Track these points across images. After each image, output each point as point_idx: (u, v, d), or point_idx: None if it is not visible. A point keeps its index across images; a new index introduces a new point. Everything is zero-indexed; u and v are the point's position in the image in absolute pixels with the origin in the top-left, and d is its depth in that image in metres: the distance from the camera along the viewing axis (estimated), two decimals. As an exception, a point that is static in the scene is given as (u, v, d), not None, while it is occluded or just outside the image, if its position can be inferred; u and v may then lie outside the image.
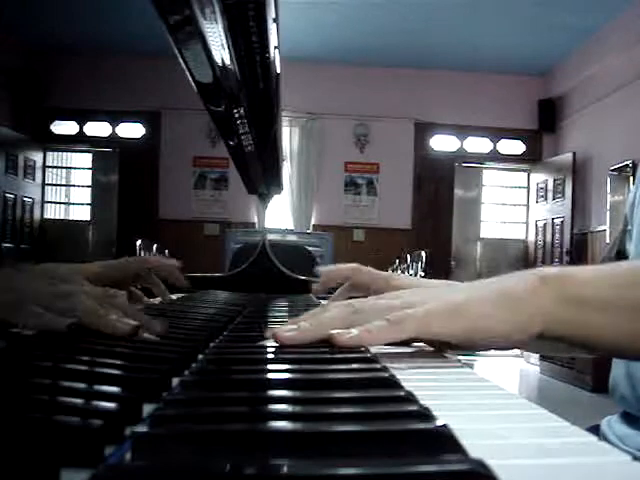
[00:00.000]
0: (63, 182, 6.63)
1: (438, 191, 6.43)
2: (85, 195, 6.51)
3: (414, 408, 0.27)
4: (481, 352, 6.44)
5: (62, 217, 6.55)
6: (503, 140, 6.51)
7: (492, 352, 6.46)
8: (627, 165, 5.04)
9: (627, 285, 0.48)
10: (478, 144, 6.51)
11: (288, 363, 0.41)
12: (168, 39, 0.63)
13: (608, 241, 5.13)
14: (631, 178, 5.07)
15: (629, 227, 0.79)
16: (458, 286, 0.55)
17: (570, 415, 0.37)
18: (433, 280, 0.63)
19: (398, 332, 0.46)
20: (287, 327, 0.48)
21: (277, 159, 1.27)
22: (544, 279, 0.47)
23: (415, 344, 0.56)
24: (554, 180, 6.11)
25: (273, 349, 0.47)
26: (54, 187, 6.53)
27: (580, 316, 0.47)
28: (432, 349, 0.55)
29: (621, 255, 0.82)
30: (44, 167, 6.32)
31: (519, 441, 0.28)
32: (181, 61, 0.70)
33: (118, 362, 0.38)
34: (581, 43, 5.50)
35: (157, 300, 0.92)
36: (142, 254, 4.41)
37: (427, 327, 0.46)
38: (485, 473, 0.19)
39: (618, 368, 0.75)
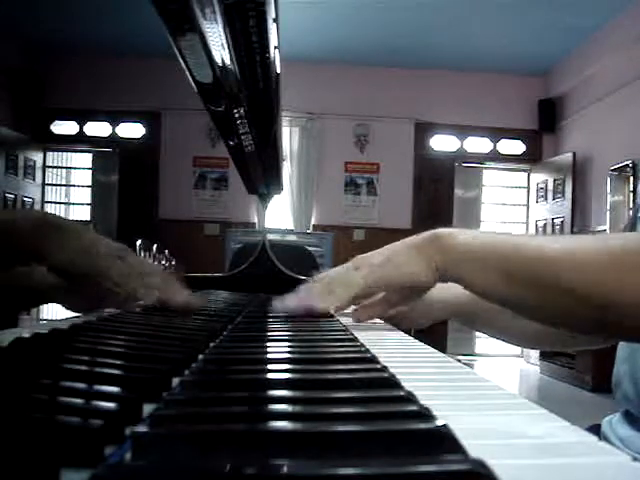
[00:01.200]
0: (63, 182, 6.64)
1: (438, 191, 6.43)
2: (85, 195, 6.51)
3: (414, 408, 0.27)
4: (481, 352, 6.45)
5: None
6: (503, 140, 6.51)
7: (492, 352, 6.46)
8: (627, 165, 5.04)
9: (499, 251, 0.60)
10: (478, 144, 6.51)
11: (288, 363, 0.41)
12: (168, 39, 0.63)
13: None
14: (631, 178, 5.07)
15: (639, 214, 0.79)
16: (388, 247, 0.71)
17: (570, 415, 0.37)
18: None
19: (352, 292, 0.68)
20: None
21: (277, 159, 1.27)
22: (436, 234, 0.65)
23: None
24: (554, 180, 6.11)
25: (274, 348, 0.47)
26: (54, 187, 6.53)
27: (454, 265, 0.63)
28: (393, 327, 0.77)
29: None
30: (44, 167, 6.32)
31: (519, 441, 0.28)
32: (181, 61, 0.70)
33: (118, 362, 0.38)
34: (581, 43, 5.50)
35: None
36: (142, 254, 4.40)
37: (373, 282, 0.68)
38: (485, 473, 0.19)
39: (621, 366, 0.75)
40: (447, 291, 0.78)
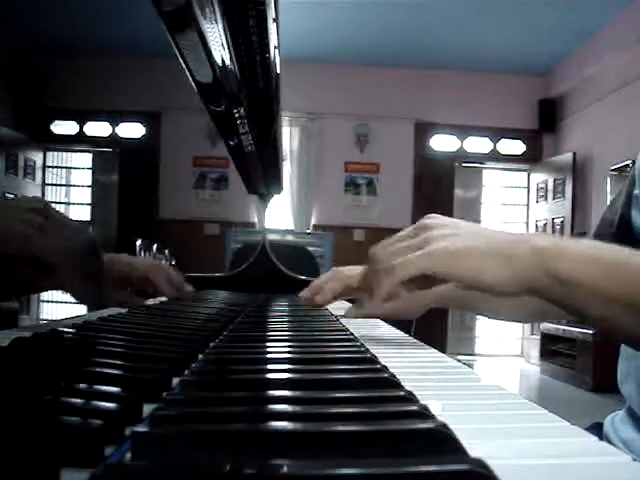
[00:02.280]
0: (63, 182, 6.63)
1: (438, 191, 6.43)
2: (85, 195, 6.51)
3: (414, 408, 0.27)
4: (481, 352, 6.45)
5: (62, 217, 6.54)
6: (503, 140, 6.51)
7: (492, 352, 6.46)
8: (627, 165, 5.04)
9: (608, 278, 0.52)
10: (478, 144, 6.51)
11: (288, 363, 0.41)
12: (168, 39, 0.63)
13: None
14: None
15: (636, 190, 0.76)
16: (464, 228, 0.59)
17: (570, 415, 0.37)
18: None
19: (409, 272, 0.55)
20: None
21: (277, 159, 1.27)
22: (534, 250, 0.54)
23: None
24: (554, 180, 6.11)
25: (274, 349, 0.47)
26: (54, 187, 6.53)
27: (559, 290, 0.53)
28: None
29: (624, 220, 0.79)
30: (44, 167, 6.32)
31: (519, 441, 0.28)
32: (181, 61, 0.70)
33: (118, 362, 0.38)
34: (581, 43, 5.50)
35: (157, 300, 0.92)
36: (142, 254, 4.41)
37: (435, 267, 0.55)
38: (485, 473, 0.19)
39: (624, 364, 0.74)
40: None
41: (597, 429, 0.78)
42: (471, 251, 0.55)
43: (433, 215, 0.62)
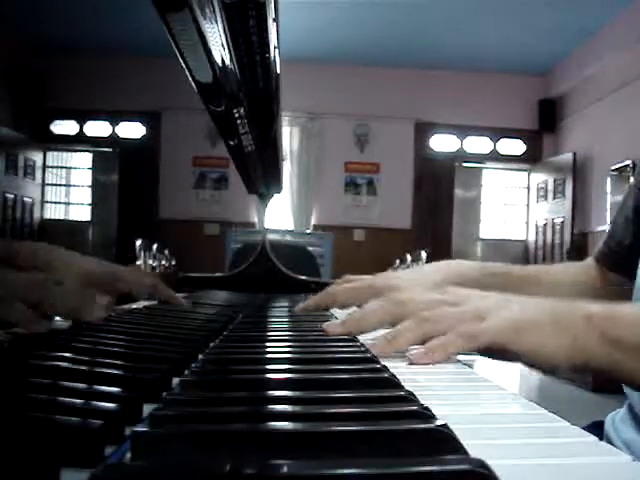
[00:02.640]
0: (63, 182, 6.64)
1: (438, 191, 6.43)
2: (85, 195, 6.51)
3: (414, 408, 0.27)
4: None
5: (62, 217, 6.55)
6: (503, 140, 6.51)
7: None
8: (627, 165, 5.04)
9: None
10: (478, 144, 6.51)
11: (288, 363, 0.41)
12: (168, 39, 0.63)
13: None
14: (631, 178, 5.07)
15: None
16: (518, 300, 0.56)
17: (570, 415, 0.37)
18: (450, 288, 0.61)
19: (473, 346, 0.50)
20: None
21: (277, 159, 1.27)
22: (590, 318, 0.51)
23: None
24: (554, 180, 6.11)
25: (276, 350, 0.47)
26: (54, 187, 6.53)
27: (617, 356, 0.50)
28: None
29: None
30: (44, 167, 6.32)
31: (519, 441, 0.27)
32: (181, 61, 0.70)
33: (118, 362, 0.38)
34: (581, 43, 5.50)
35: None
36: (142, 254, 4.40)
37: (499, 342, 0.50)
38: (485, 473, 0.19)
39: None
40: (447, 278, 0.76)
41: (597, 428, 0.78)
42: (533, 323, 0.51)
43: (452, 289, 0.59)
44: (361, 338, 0.55)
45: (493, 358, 0.55)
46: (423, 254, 5.11)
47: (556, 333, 0.51)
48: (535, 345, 0.50)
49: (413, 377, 0.40)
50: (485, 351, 0.52)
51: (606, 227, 5.22)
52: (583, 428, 0.30)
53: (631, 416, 0.72)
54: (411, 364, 0.48)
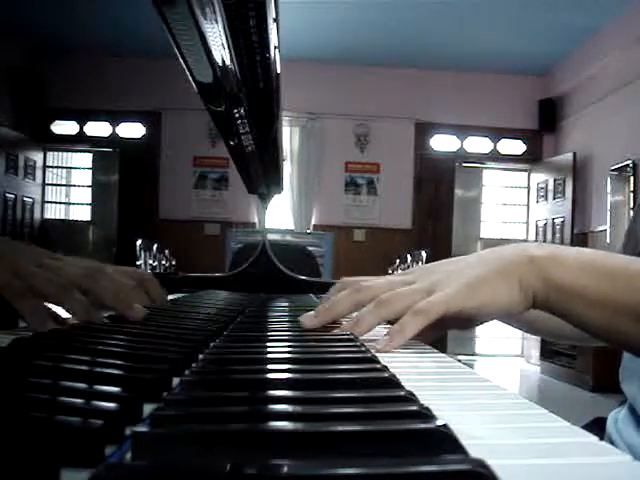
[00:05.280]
0: (63, 182, 6.64)
1: (438, 191, 6.43)
2: (85, 195, 6.51)
3: (414, 408, 0.27)
4: (481, 352, 6.45)
5: (62, 217, 6.55)
6: (503, 140, 6.51)
7: (492, 352, 6.46)
8: (627, 165, 5.04)
9: (607, 281, 0.51)
10: (478, 144, 6.51)
11: (288, 363, 0.41)
12: (168, 39, 0.63)
13: (609, 241, 5.13)
14: (631, 178, 5.07)
15: None
16: (461, 262, 0.58)
17: (570, 415, 0.37)
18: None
19: (429, 319, 0.52)
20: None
21: (277, 159, 1.27)
22: (532, 259, 0.53)
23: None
24: (554, 180, 6.11)
25: (277, 348, 0.47)
26: (54, 187, 6.53)
27: (560, 299, 0.52)
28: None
29: None
30: (44, 167, 6.32)
31: (519, 441, 0.27)
32: (181, 61, 0.70)
33: (118, 362, 0.38)
34: (581, 43, 5.50)
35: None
36: (142, 254, 4.41)
37: (454, 309, 0.52)
38: (485, 473, 0.19)
39: (628, 362, 0.73)
40: None
41: (598, 424, 0.77)
42: (481, 279, 0.53)
43: (417, 267, 0.63)
44: (362, 338, 0.55)
45: (460, 329, 0.59)
46: (423, 254, 5.11)
47: (504, 281, 0.53)
48: (488, 299, 0.53)
49: (413, 377, 0.40)
50: (444, 323, 0.55)
51: (606, 227, 5.23)
52: (584, 425, 0.30)
53: (633, 418, 0.72)
54: (377, 352, 0.49)
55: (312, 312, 0.61)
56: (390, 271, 5.24)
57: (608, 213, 5.23)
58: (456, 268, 0.57)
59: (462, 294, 0.53)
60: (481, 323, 0.58)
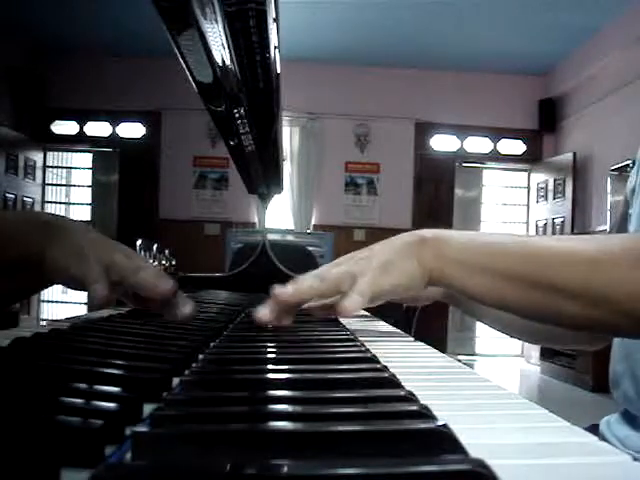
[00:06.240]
0: (63, 182, 6.63)
1: (438, 191, 6.43)
2: (85, 195, 6.51)
3: (414, 408, 0.27)
4: (481, 352, 6.45)
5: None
6: (503, 140, 6.50)
7: (492, 352, 6.46)
8: (627, 165, 5.04)
9: (486, 253, 0.60)
10: (478, 144, 6.51)
11: (288, 363, 0.41)
12: (168, 39, 0.63)
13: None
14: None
15: (630, 210, 0.81)
16: (374, 248, 0.66)
17: (570, 415, 0.37)
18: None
19: (365, 301, 0.60)
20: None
21: (277, 159, 1.27)
22: (424, 240, 0.61)
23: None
24: (554, 180, 6.11)
25: (274, 347, 0.47)
26: (54, 187, 6.53)
27: (452, 272, 0.60)
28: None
29: None
30: (44, 167, 6.32)
31: (519, 441, 0.28)
32: (181, 61, 0.70)
33: (118, 362, 0.38)
34: (581, 43, 5.50)
35: None
36: (142, 254, 4.41)
37: (376, 295, 0.61)
38: (485, 473, 0.19)
39: (618, 366, 0.75)
40: None
41: (593, 431, 0.78)
42: (387, 264, 0.61)
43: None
44: (362, 338, 0.55)
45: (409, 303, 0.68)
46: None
47: (406, 264, 0.61)
48: (395, 282, 0.61)
49: (413, 377, 0.40)
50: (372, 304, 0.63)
51: (606, 227, 5.23)
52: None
53: (625, 418, 0.73)
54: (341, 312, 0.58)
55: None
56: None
57: (608, 213, 5.23)
58: (368, 255, 0.64)
59: (379, 277, 0.60)
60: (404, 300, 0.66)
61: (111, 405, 0.26)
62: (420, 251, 0.61)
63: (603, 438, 0.74)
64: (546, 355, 5.48)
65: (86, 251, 0.58)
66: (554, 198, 6.12)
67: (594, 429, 0.79)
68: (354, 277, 0.61)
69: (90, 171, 6.47)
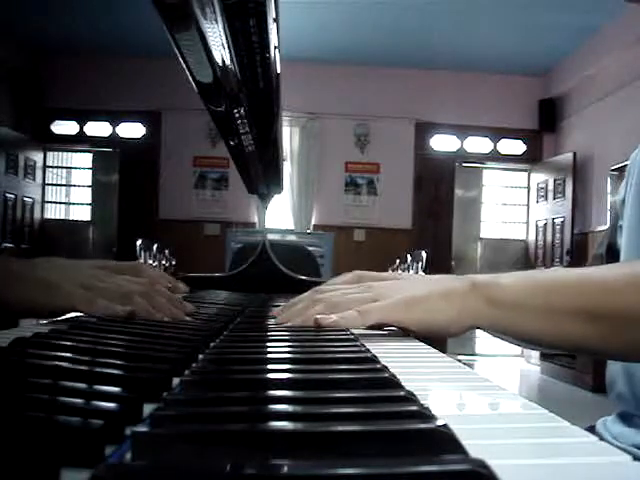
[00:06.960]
0: (63, 182, 6.63)
1: (438, 191, 6.43)
2: (85, 195, 6.51)
3: (414, 408, 0.27)
4: (481, 352, 6.45)
5: (62, 217, 6.55)
6: (503, 140, 6.50)
7: (492, 352, 6.46)
8: (627, 165, 5.04)
9: (541, 293, 0.59)
10: (478, 144, 6.51)
11: (288, 363, 0.41)
12: (168, 39, 0.63)
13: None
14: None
15: (620, 222, 0.82)
16: (414, 280, 0.68)
17: (570, 415, 0.37)
18: (409, 274, 0.73)
19: (362, 321, 0.60)
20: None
21: (277, 159, 1.27)
22: (474, 284, 0.60)
23: (386, 329, 0.67)
24: (554, 180, 6.11)
25: (276, 347, 0.47)
26: (54, 187, 6.53)
27: (500, 314, 0.59)
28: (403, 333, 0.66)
29: (612, 249, 0.84)
30: (44, 167, 6.32)
31: (519, 441, 0.28)
32: (181, 61, 0.70)
33: (118, 362, 0.38)
34: (581, 43, 5.50)
35: None
36: (142, 254, 4.40)
37: (387, 317, 0.61)
38: (485, 473, 0.19)
39: (613, 366, 0.75)
40: None
41: (590, 432, 0.78)
42: (419, 299, 0.61)
43: (364, 272, 0.72)
44: (368, 345, 0.55)
45: (396, 326, 0.65)
46: (423, 254, 5.11)
47: (445, 304, 0.60)
48: (425, 317, 0.60)
49: (413, 377, 0.40)
50: (380, 326, 0.63)
51: (606, 227, 5.22)
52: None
53: (621, 419, 0.74)
54: (317, 316, 0.60)
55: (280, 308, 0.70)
56: (390, 271, 5.23)
57: (608, 213, 5.23)
58: (401, 285, 0.65)
59: (400, 308, 0.60)
60: (433, 336, 0.63)
61: (111, 405, 0.26)
62: (467, 295, 0.60)
63: (600, 438, 0.75)
64: (546, 355, 5.48)
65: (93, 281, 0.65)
66: (554, 198, 6.12)
67: (590, 430, 0.79)
68: (373, 301, 0.62)
69: (90, 171, 6.47)
